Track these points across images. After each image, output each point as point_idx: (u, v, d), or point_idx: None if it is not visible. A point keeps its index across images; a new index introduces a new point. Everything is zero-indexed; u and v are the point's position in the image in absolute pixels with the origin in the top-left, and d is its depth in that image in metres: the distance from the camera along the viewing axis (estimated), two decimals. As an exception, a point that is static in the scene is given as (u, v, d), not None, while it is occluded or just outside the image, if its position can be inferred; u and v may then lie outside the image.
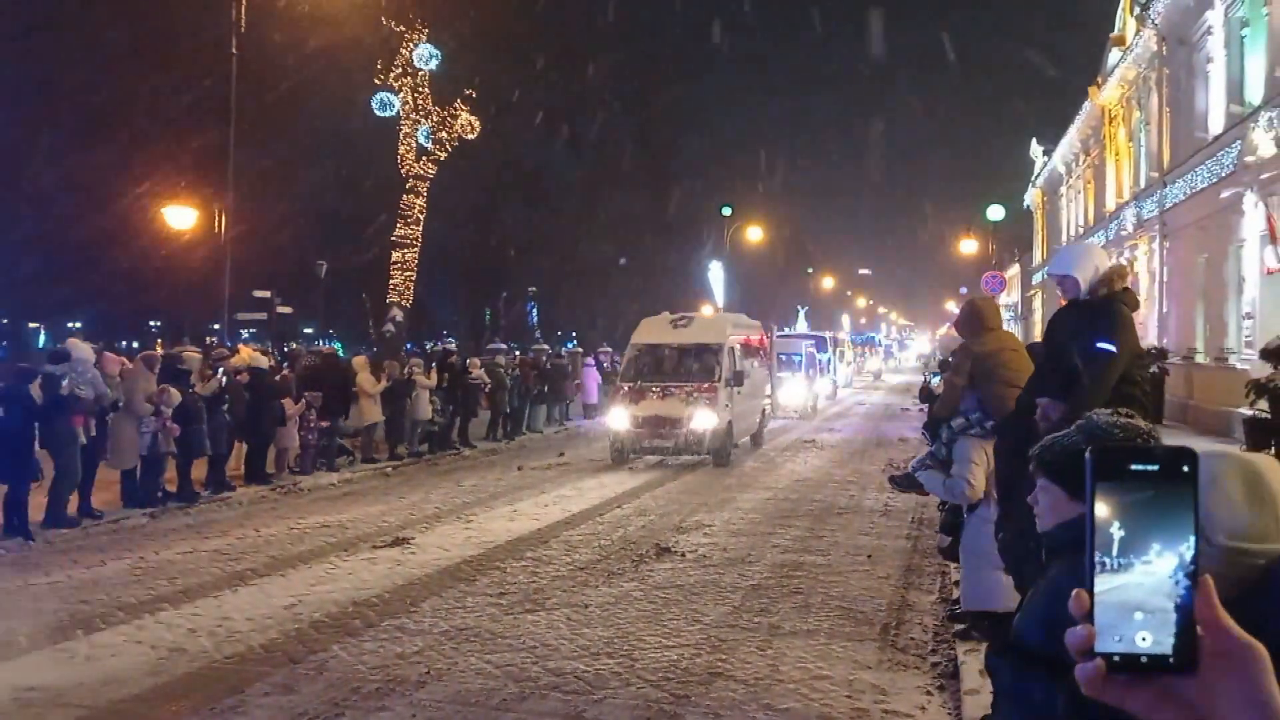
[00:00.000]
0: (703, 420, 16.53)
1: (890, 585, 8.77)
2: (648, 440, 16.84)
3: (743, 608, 7.95)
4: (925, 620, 7.67)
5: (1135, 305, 4.66)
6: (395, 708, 5.74)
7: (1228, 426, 16.89)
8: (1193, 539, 0.78)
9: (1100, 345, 4.49)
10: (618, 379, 18.63)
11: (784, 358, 27.89)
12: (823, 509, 12.70)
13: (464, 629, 7.29)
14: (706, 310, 31.32)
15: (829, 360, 35.75)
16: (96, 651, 6.74)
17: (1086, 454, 0.81)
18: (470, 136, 26.91)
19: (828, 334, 41.24)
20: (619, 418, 17.07)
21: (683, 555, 9.85)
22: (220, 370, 13.77)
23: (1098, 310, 4.58)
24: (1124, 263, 5.11)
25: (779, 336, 35.74)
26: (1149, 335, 25.53)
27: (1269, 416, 11.50)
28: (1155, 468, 0.80)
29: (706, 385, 17.01)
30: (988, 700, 5.49)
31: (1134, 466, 0.80)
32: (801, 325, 54.34)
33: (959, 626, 7.03)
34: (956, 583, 8.11)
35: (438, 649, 6.81)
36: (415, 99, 25.78)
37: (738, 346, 18.53)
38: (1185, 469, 0.80)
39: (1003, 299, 44.00)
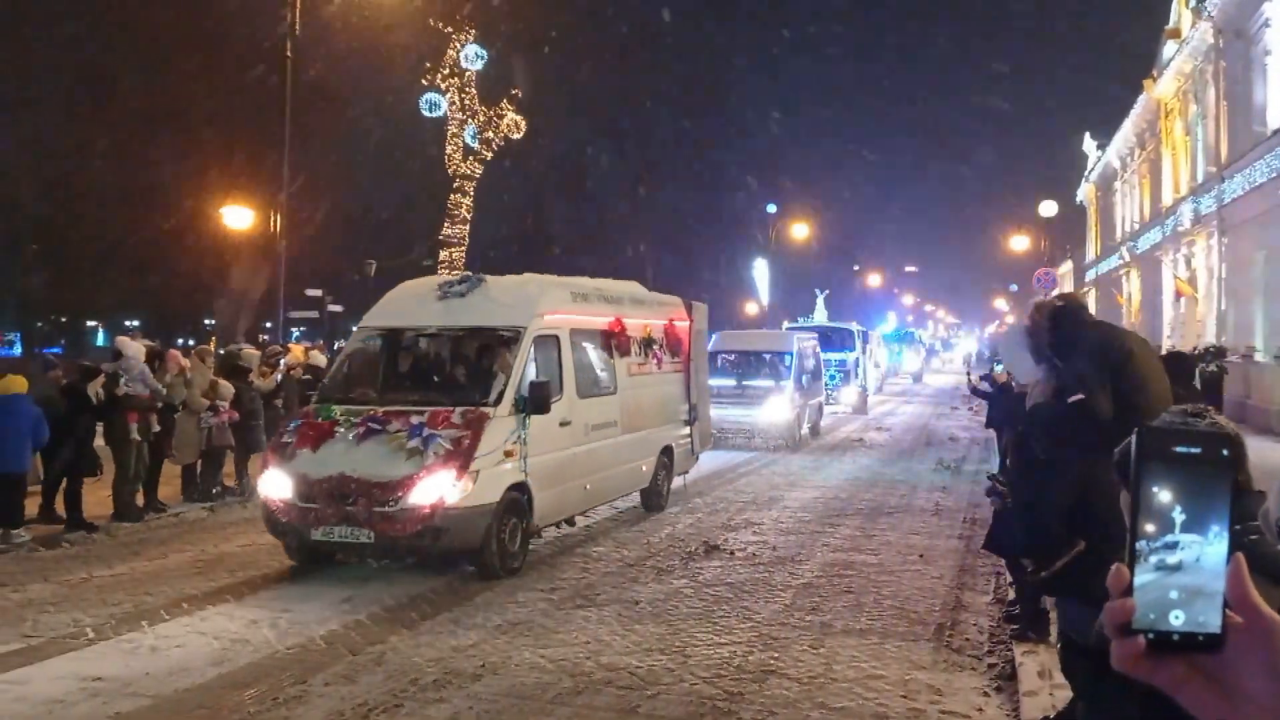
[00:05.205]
0: (435, 488, 8.30)
1: (944, 585, 8.71)
2: (323, 528, 8.43)
3: (794, 606, 7.95)
4: (980, 621, 7.61)
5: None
6: (453, 700, 5.82)
7: (1289, 426, 16.52)
8: (1227, 521, 0.80)
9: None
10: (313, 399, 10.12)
11: (755, 358, 19.03)
12: (873, 509, 12.64)
13: (517, 623, 7.37)
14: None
15: (857, 362, 27.45)
16: (161, 642, 6.90)
17: (1134, 434, 0.83)
18: (516, 136, 27.12)
19: (854, 325, 30.92)
20: (275, 482, 8.76)
21: (732, 553, 9.86)
22: (283, 363, 14.05)
23: None
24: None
25: (787, 328, 27.48)
26: (1206, 333, 25.05)
27: (1333, 416, 11.20)
28: (1197, 450, 0.82)
29: (461, 415, 8.72)
30: (1046, 702, 5.46)
31: (1177, 449, 0.82)
32: (820, 314, 41.67)
33: (1014, 627, 6.97)
34: (1011, 583, 8.03)
35: (492, 643, 6.89)
36: (462, 99, 26.03)
37: (567, 334, 10.17)
38: (1225, 453, 0.82)
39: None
